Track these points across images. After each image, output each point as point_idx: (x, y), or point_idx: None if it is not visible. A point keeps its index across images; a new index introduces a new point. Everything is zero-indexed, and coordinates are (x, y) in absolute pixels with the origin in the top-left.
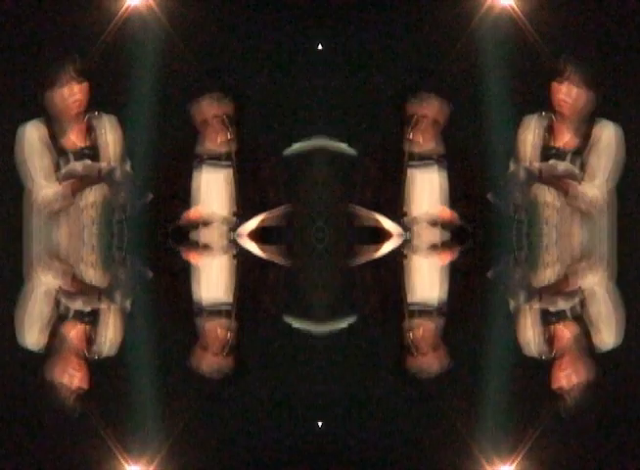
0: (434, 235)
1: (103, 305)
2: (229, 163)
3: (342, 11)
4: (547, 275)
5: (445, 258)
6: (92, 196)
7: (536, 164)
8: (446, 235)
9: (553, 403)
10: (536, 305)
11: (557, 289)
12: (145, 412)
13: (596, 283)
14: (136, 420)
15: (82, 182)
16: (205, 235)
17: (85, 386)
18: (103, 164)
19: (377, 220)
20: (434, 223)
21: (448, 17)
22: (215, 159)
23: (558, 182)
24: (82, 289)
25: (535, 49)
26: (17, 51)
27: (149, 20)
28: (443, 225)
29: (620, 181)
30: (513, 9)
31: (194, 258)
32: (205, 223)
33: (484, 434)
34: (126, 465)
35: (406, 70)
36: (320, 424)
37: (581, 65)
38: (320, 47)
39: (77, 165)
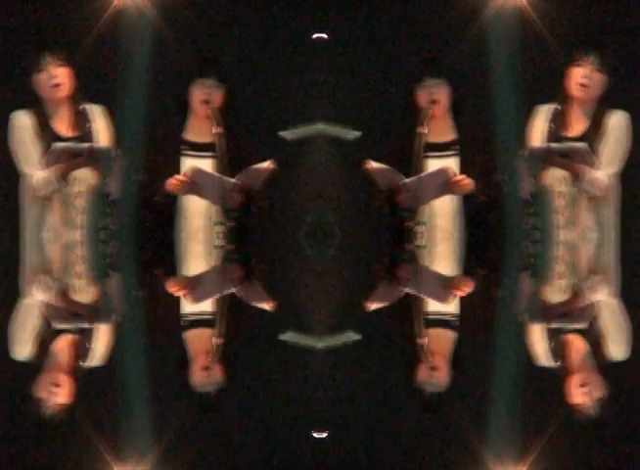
0: (450, 223)
1: (91, 322)
2: (215, 152)
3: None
4: (560, 287)
5: (464, 290)
6: (78, 186)
7: (551, 144)
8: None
9: (563, 413)
10: (549, 325)
11: (569, 307)
12: (136, 423)
13: (608, 295)
14: (128, 430)
15: (68, 165)
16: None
17: (75, 399)
18: (88, 145)
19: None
20: (450, 190)
21: (458, 6)
22: (203, 148)
23: (572, 164)
24: (70, 307)
25: (546, 38)
26: (12, 38)
27: (143, 9)
28: (460, 190)
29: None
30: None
31: (177, 292)
32: (191, 187)
33: (493, 442)
34: None
35: (416, 58)
36: (315, 435)
37: (600, 50)
38: (316, 35)
39: (62, 145)
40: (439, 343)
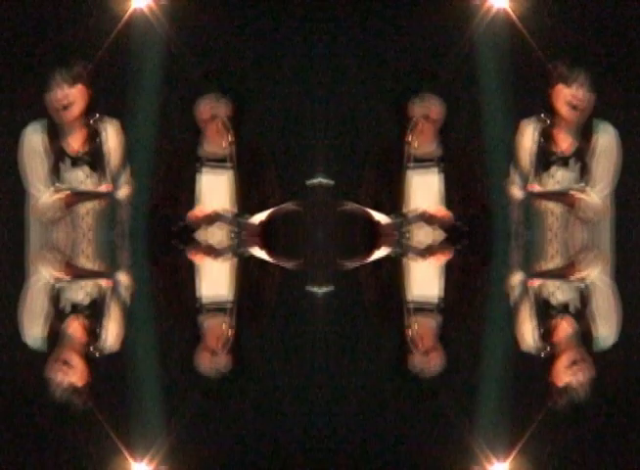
0: (429, 235)
1: (103, 296)
2: (230, 164)
3: (343, 14)
4: (548, 265)
5: (442, 258)
6: (85, 208)
7: (537, 188)
8: (441, 236)
9: (551, 400)
10: (535, 285)
11: (557, 273)
12: (148, 409)
13: (598, 277)
14: (139, 417)
15: (78, 197)
16: (208, 235)
17: (86, 382)
18: (102, 188)
19: (370, 215)
20: (428, 221)
21: (446, 20)
22: (217, 161)
23: (563, 197)
24: (80, 274)
25: (532, 52)
26: (22, 53)
27: (154, 22)
28: (440, 224)
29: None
30: (507, 11)
31: (197, 259)
32: (210, 222)
33: (481, 431)
34: (132, 462)
35: (405, 72)
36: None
37: (586, 67)
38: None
39: (77, 177)
40: (426, 327)
